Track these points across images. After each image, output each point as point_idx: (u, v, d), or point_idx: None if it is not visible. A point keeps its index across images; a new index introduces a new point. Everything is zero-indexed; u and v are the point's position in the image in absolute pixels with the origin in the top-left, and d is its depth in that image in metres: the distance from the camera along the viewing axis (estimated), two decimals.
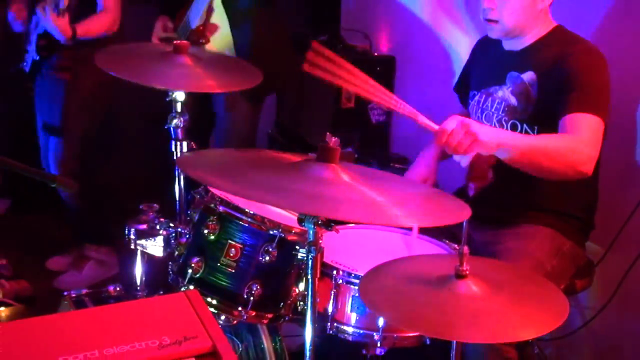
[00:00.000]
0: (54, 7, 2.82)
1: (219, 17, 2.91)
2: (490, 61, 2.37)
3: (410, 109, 1.91)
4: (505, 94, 2.26)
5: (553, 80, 2.14)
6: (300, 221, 1.64)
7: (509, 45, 2.29)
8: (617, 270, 2.44)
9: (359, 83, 1.85)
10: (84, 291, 2.23)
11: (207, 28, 2.90)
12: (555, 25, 2.24)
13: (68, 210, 3.42)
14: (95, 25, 3.03)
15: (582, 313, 2.57)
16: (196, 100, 2.88)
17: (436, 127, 1.89)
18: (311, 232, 1.63)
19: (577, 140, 2.01)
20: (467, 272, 1.54)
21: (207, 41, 2.91)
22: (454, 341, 1.63)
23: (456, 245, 2.07)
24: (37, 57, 3.10)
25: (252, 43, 2.96)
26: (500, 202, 2.23)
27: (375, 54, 3.73)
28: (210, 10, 2.86)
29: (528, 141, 2.02)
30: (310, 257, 1.64)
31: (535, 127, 2.18)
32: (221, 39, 2.94)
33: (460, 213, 1.57)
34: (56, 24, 2.85)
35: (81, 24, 2.96)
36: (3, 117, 4.06)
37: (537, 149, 1.97)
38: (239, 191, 1.54)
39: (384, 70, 3.66)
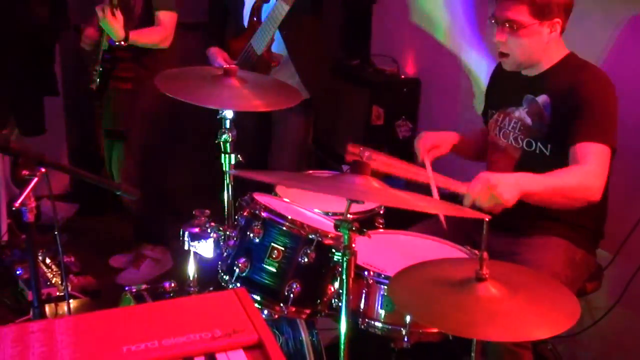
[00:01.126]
0: (112, 4, 2.83)
1: (277, 44, 2.93)
2: (507, 84, 2.33)
3: (442, 179, 2.00)
4: (521, 114, 2.22)
5: (566, 105, 2.09)
6: (337, 227, 1.64)
7: (525, 70, 2.24)
8: (624, 274, 2.40)
9: (391, 164, 2.04)
10: (144, 286, 2.25)
11: (271, 53, 2.91)
12: (567, 53, 2.18)
13: (129, 213, 3.46)
14: (148, 36, 3.03)
15: (591, 313, 2.52)
16: (256, 113, 2.91)
17: (463, 188, 1.93)
18: (346, 236, 1.63)
19: (587, 174, 1.99)
20: (487, 275, 1.52)
21: (277, 63, 2.92)
22: (474, 339, 1.60)
23: (477, 251, 2.04)
24: (101, 68, 3.11)
25: (310, 64, 2.98)
26: (517, 212, 2.19)
27: (402, 76, 3.71)
28: (272, 39, 2.88)
29: (544, 183, 1.98)
30: (344, 259, 1.63)
31: (549, 146, 2.14)
32: (285, 65, 2.96)
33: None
34: (111, 24, 2.85)
35: (135, 31, 2.97)
36: (75, 133, 4.13)
37: (552, 190, 1.97)
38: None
39: (410, 92, 3.64)
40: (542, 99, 2.17)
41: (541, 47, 2.13)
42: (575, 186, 1.97)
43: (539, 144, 2.17)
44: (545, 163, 2.12)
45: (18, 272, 2.96)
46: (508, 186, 1.89)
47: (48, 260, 3.04)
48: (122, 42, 2.93)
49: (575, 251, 2.17)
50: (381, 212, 2.26)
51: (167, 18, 3.05)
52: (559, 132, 2.11)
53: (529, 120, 2.19)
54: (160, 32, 3.05)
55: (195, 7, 3.23)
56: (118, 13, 2.87)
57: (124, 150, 3.22)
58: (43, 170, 1.41)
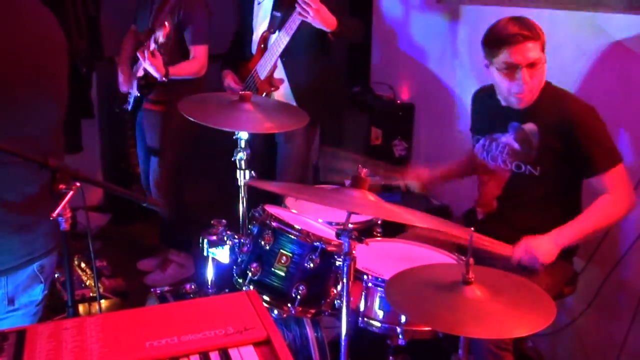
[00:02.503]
0: (154, 46, 2.87)
1: (280, 70, 2.94)
2: (489, 112, 2.26)
3: (485, 239, 2.00)
4: (508, 140, 2.17)
5: (555, 131, 2.06)
6: (338, 235, 1.64)
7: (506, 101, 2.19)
8: (596, 279, 2.38)
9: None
10: (167, 288, 2.25)
11: (273, 78, 2.92)
12: (545, 82, 2.13)
13: (160, 220, 3.46)
14: (185, 70, 3.05)
15: (568, 313, 2.50)
16: (262, 135, 2.92)
17: (509, 251, 1.99)
18: (346, 244, 1.62)
19: (616, 202, 2.02)
20: (473, 279, 1.51)
21: (277, 88, 2.93)
22: (462, 337, 1.59)
23: (464, 257, 2.02)
24: (139, 94, 3.14)
25: (306, 90, 2.98)
26: (502, 225, 2.17)
27: (398, 101, 3.71)
28: (275, 66, 2.89)
29: (580, 232, 2.02)
30: (345, 264, 1.62)
31: (538, 168, 2.11)
32: (285, 90, 2.97)
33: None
34: (153, 64, 2.89)
35: (173, 67, 3.00)
36: (108, 152, 4.15)
37: (589, 233, 2.03)
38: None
39: (405, 115, 3.64)
40: (529, 127, 2.11)
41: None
42: (611, 221, 2.03)
43: (528, 166, 2.13)
44: (534, 182, 2.11)
45: (57, 275, 2.95)
46: (546, 250, 1.95)
47: (83, 265, 3.05)
48: (164, 79, 2.96)
49: (555, 259, 2.14)
50: (379, 222, 2.25)
51: (200, 52, 3.07)
52: (547, 156, 2.08)
53: (517, 146, 2.15)
54: (195, 65, 3.08)
55: (217, 40, 3.25)
56: (157, 53, 2.91)
57: (159, 165, 3.23)
58: (78, 184, 1.41)
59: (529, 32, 1.99)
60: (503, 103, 2.19)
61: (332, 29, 2.72)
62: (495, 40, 2.04)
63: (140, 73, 3.08)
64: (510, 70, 2.03)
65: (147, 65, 2.93)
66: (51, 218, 1.37)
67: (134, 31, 3.29)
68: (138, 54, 2.94)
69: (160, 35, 2.85)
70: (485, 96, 2.29)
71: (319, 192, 1.92)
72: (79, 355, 1.08)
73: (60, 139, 1.64)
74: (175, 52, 3.06)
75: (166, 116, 3.14)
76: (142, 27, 3.19)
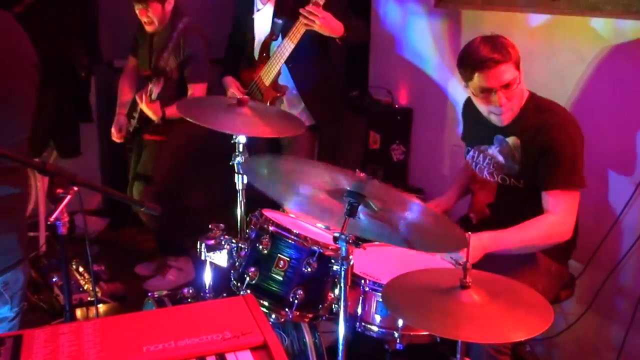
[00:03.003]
0: (149, 96, 2.93)
1: (284, 76, 2.94)
2: (477, 123, 2.25)
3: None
4: (494, 152, 2.17)
5: (534, 146, 2.05)
6: (335, 239, 1.64)
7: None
8: (594, 284, 2.38)
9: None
10: (164, 292, 2.24)
11: (277, 84, 2.93)
12: (529, 94, 2.11)
13: (148, 230, 3.46)
14: None
15: (565, 318, 2.50)
16: (267, 138, 2.89)
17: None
18: (343, 248, 1.62)
19: (553, 225, 2.01)
20: (470, 283, 1.51)
21: (283, 94, 2.94)
22: (459, 341, 1.59)
23: (461, 261, 2.02)
24: (138, 126, 3.20)
25: (314, 94, 3.00)
26: (497, 228, 2.17)
27: (396, 106, 3.72)
28: (279, 72, 2.90)
29: (510, 241, 2.01)
30: (342, 268, 1.62)
31: (522, 181, 2.11)
32: (290, 95, 2.98)
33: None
34: (150, 109, 2.96)
35: (169, 108, 3.01)
36: (107, 156, 4.15)
37: (519, 245, 2.01)
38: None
39: (403, 120, 3.65)
40: (512, 140, 2.11)
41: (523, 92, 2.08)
42: (543, 238, 2.01)
43: (512, 180, 2.13)
44: (520, 195, 2.11)
45: (54, 280, 2.96)
46: (474, 250, 1.83)
47: (81, 269, 3.04)
48: (160, 122, 3.02)
49: (550, 263, 2.15)
50: None
51: (198, 90, 3.10)
52: (529, 170, 2.08)
53: (501, 159, 2.15)
54: None
55: (216, 45, 3.26)
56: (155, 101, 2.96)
57: (145, 189, 3.22)
58: (76, 188, 1.41)
59: (500, 54, 1.96)
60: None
61: (339, 35, 2.73)
62: (467, 65, 2.03)
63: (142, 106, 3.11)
64: (486, 94, 2.02)
65: (145, 109, 2.99)
66: (48, 222, 1.37)
67: (134, 67, 3.31)
68: (137, 98, 3.00)
69: (154, 90, 2.89)
70: (474, 106, 2.26)
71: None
72: (75, 359, 1.08)
73: (28, 152, 1.62)
74: (174, 88, 3.08)
75: (165, 144, 3.18)
76: (143, 62, 3.22)
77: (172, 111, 3.01)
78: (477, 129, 2.26)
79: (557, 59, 2.56)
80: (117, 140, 3.30)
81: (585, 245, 2.34)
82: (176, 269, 3.40)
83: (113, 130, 3.28)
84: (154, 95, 2.92)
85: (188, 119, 2.18)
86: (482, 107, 2.09)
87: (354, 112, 3.77)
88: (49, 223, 1.40)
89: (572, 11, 2.49)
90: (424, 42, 3.52)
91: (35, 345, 1.12)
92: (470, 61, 2.02)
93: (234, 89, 3.04)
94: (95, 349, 1.11)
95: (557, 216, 2.00)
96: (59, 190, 1.40)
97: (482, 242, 1.95)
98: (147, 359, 1.10)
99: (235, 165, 2.23)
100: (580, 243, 2.29)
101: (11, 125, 1.51)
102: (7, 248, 1.55)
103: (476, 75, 2.00)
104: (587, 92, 2.49)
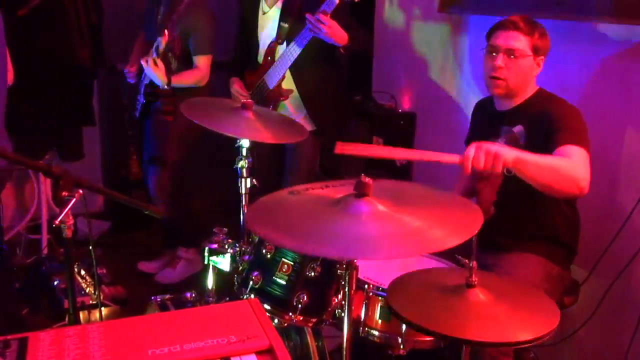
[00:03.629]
0: (155, 55, 2.92)
1: (288, 80, 2.95)
2: (486, 119, 2.33)
3: (431, 153, 1.86)
4: (500, 143, 2.21)
5: (539, 129, 2.09)
6: None
7: (500, 105, 2.25)
8: (598, 290, 2.37)
9: (382, 151, 1.89)
10: (167, 296, 2.24)
11: (281, 88, 2.94)
12: (538, 88, 2.20)
13: (162, 226, 3.48)
14: (186, 78, 3.13)
15: (571, 324, 2.49)
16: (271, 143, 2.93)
17: (457, 158, 1.83)
18: None
19: (575, 165, 1.94)
20: (476, 282, 1.51)
21: (286, 98, 2.95)
22: (464, 347, 1.59)
23: (466, 261, 2.02)
24: (144, 101, 3.20)
25: (316, 99, 3.01)
26: (500, 231, 2.18)
27: (400, 110, 3.72)
28: (283, 77, 2.91)
29: (539, 158, 1.91)
30: (347, 273, 1.62)
31: None
32: (294, 99, 2.98)
33: (475, 222, 1.44)
34: (155, 72, 2.97)
35: (175, 76, 3.07)
36: (109, 159, 4.16)
37: (547, 164, 1.90)
38: (296, 247, 1.52)
39: (406, 124, 3.65)
40: (517, 129, 2.17)
41: (528, 77, 2.15)
42: (564, 166, 1.91)
43: None
44: (524, 187, 2.11)
45: (56, 283, 2.96)
46: (506, 149, 1.84)
47: (83, 272, 3.04)
48: (166, 87, 3.02)
49: (551, 267, 2.16)
50: None
51: (203, 62, 3.14)
52: None
53: None
54: (197, 75, 3.14)
55: (224, 48, 3.29)
56: (159, 62, 2.97)
57: (159, 172, 3.27)
58: (80, 191, 1.42)
59: (523, 25, 2.09)
60: (497, 108, 2.24)
61: (343, 43, 2.75)
62: (495, 24, 2.16)
63: (147, 81, 3.13)
64: (491, 53, 2.13)
65: (150, 73, 3.00)
66: (54, 225, 1.37)
67: (142, 39, 3.34)
68: (142, 62, 3.00)
69: (160, 43, 2.90)
70: (485, 105, 2.36)
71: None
72: None
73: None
74: (178, 62, 3.10)
75: (172, 125, 3.18)
76: (150, 35, 3.23)
77: (177, 78, 3.06)
78: (486, 125, 2.30)
79: (561, 64, 2.56)
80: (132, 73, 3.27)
81: (590, 252, 2.34)
82: (185, 260, 3.44)
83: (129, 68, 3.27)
84: (161, 47, 2.93)
85: (192, 120, 2.19)
86: (486, 69, 2.17)
87: (357, 116, 3.78)
88: (53, 226, 1.40)
89: (577, 16, 2.50)
90: (428, 46, 3.52)
91: (41, 347, 1.12)
92: (499, 21, 2.14)
93: (236, 87, 3.07)
94: (100, 352, 1.11)
95: (576, 160, 1.94)
96: (64, 193, 1.41)
97: (498, 149, 1.84)
98: None
99: (238, 169, 2.24)
100: (585, 249, 2.30)
101: None
102: None
103: (493, 34, 2.14)
104: (591, 97, 2.50)
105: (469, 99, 3.18)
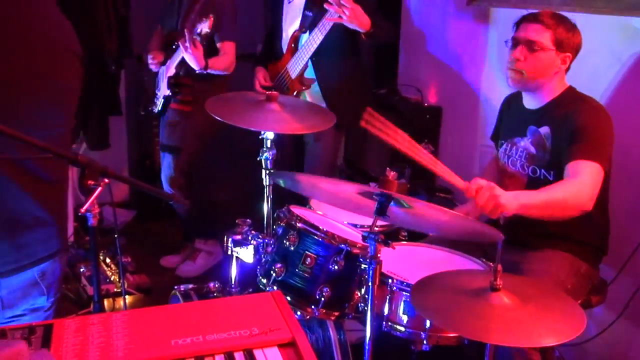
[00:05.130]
0: (197, 35, 2.83)
1: (310, 69, 2.94)
2: (513, 116, 2.29)
3: (443, 168, 1.91)
4: (526, 144, 2.18)
5: (563, 132, 2.05)
6: (364, 238, 1.63)
7: (528, 103, 2.20)
8: (627, 290, 2.32)
9: (402, 141, 1.93)
10: (191, 286, 2.25)
11: (303, 77, 2.92)
12: (567, 87, 2.14)
13: (181, 216, 3.49)
14: (219, 64, 3.03)
15: (597, 324, 2.45)
16: (292, 135, 2.92)
17: (462, 184, 1.88)
18: (372, 247, 1.61)
19: (578, 185, 1.93)
20: (500, 286, 1.48)
21: (308, 87, 2.93)
22: (488, 344, 1.56)
23: (491, 263, 1.99)
24: (169, 93, 3.16)
25: (336, 91, 2.97)
26: (526, 229, 2.14)
27: (426, 104, 3.68)
28: (306, 65, 2.89)
29: (541, 198, 1.92)
30: (371, 267, 1.61)
31: (552, 172, 2.10)
32: (314, 92, 2.97)
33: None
34: (194, 54, 2.85)
35: (212, 59, 2.98)
36: (135, 148, 4.20)
37: (546, 202, 1.91)
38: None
39: (432, 118, 3.61)
40: (544, 130, 2.12)
41: (550, 73, 2.09)
42: (566, 197, 1.92)
43: (542, 171, 2.13)
44: None
45: (81, 270, 3.00)
46: (509, 198, 1.85)
47: (108, 260, 3.08)
48: (204, 70, 2.94)
49: (580, 264, 2.12)
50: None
51: (229, 48, 3.08)
52: (559, 159, 2.06)
53: (533, 150, 2.15)
54: (226, 61, 3.08)
55: (246, 40, 3.28)
56: (198, 44, 2.87)
57: (173, 162, 3.25)
58: (106, 180, 1.42)
59: (548, 18, 2.06)
60: (525, 105, 2.20)
61: (366, 29, 2.70)
62: (519, 18, 2.14)
63: (171, 72, 3.10)
64: (512, 44, 2.11)
65: (188, 56, 2.87)
66: (80, 214, 1.38)
67: (160, 32, 3.33)
68: (180, 43, 2.89)
69: (205, 26, 2.80)
70: (514, 100, 2.31)
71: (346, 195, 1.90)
72: (104, 350, 1.09)
73: (68, 144, 1.63)
74: (206, 50, 3.09)
75: (190, 116, 3.16)
76: (168, 26, 3.22)
77: (213, 62, 2.97)
78: (513, 122, 2.27)
79: (592, 59, 2.50)
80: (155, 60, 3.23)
81: (619, 251, 2.29)
82: (206, 252, 3.44)
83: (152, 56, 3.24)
84: (204, 31, 2.81)
85: (216, 117, 2.18)
86: (507, 61, 2.15)
87: (382, 110, 3.74)
88: (79, 214, 1.41)
89: (609, 10, 2.44)
90: (455, 40, 3.47)
91: (66, 334, 1.13)
92: (525, 14, 2.12)
93: (259, 77, 3.06)
94: (124, 340, 1.12)
95: (578, 179, 1.94)
96: (90, 182, 1.41)
97: (514, 193, 1.91)
98: (175, 352, 1.10)
99: (262, 161, 2.23)
100: (614, 249, 2.25)
101: (52, 116, 1.51)
102: (49, 236, 1.55)
103: (518, 25, 2.12)
104: (622, 93, 2.44)
105: (496, 93, 3.12)
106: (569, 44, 2.06)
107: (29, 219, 1.49)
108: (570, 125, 2.03)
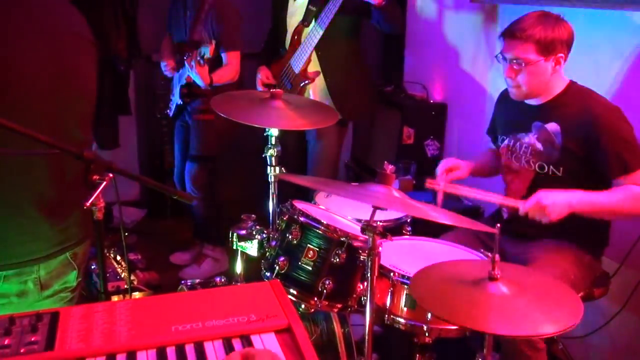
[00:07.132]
0: (200, 58, 2.94)
1: (314, 64, 2.96)
2: (513, 111, 2.27)
3: (501, 197, 2.13)
4: (531, 140, 2.17)
5: (577, 130, 2.05)
6: (363, 230, 1.65)
7: (529, 100, 2.19)
8: (629, 282, 2.33)
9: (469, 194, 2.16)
10: (197, 281, 2.30)
11: (307, 72, 2.96)
12: (568, 82, 2.13)
13: (193, 216, 3.53)
14: (224, 75, 3.13)
15: (600, 316, 2.46)
16: (293, 132, 2.94)
17: (520, 205, 2.01)
18: (371, 239, 1.63)
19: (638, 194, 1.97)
20: (498, 275, 1.51)
21: (312, 80, 2.96)
22: (487, 334, 1.59)
23: (489, 254, 2.01)
24: (181, 102, 3.25)
25: (341, 85, 3.00)
26: (527, 224, 2.16)
27: (431, 101, 3.71)
28: (309, 59, 2.93)
29: (596, 205, 1.97)
30: (369, 259, 1.64)
31: (561, 168, 2.10)
32: (319, 88, 3.00)
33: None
34: (199, 73, 2.97)
35: (215, 74, 3.08)
36: (144, 147, 4.25)
37: (603, 210, 1.99)
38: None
39: (437, 115, 3.63)
40: (551, 126, 2.11)
41: (546, 80, 2.09)
42: (628, 205, 1.97)
43: (551, 167, 2.13)
44: (557, 183, 2.08)
45: (92, 267, 3.05)
46: (559, 207, 1.92)
47: (118, 258, 3.13)
48: (208, 87, 3.05)
49: (583, 254, 2.14)
50: (408, 220, 2.26)
51: (234, 58, 3.16)
52: (571, 156, 2.07)
53: (539, 146, 2.15)
54: (231, 71, 3.16)
55: (251, 40, 3.32)
56: (205, 65, 2.98)
57: (199, 169, 3.31)
58: (111, 175, 1.46)
59: (524, 31, 2.01)
60: (526, 101, 2.19)
61: (378, 2, 2.71)
62: (503, 30, 2.12)
63: (184, 81, 3.17)
64: (503, 61, 2.12)
65: (194, 74, 3.01)
66: (85, 207, 1.42)
67: (169, 39, 3.39)
68: (186, 62, 3.02)
69: (207, 52, 2.93)
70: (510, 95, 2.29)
71: (344, 186, 1.95)
72: (108, 336, 1.13)
73: (89, 131, 1.70)
74: (213, 60, 3.14)
75: (213, 123, 3.23)
76: (177, 36, 3.28)
77: (217, 77, 3.08)
78: (515, 117, 2.26)
79: (596, 54, 2.51)
80: (169, 66, 3.33)
81: (621, 243, 2.30)
82: (212, 259, 3.47)
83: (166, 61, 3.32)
84: (207, 55, 2.93)
85: (222, 115, 2.22)
86: (504, 75, 2.15)
87: (388, 106, 3.78)
88: (84, 208, 1.45)
89: (610, 5, 2.44)
90: (460, 37, 3.49)
91: (71, 321, 1.17)
92: (507, 27, 2.10)
93: (262, 75, 3.10)
94: (127, 327, 1.15)
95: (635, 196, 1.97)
96: (95, 177, 1.45)
97: (568, 198, 1.96)
98: (175, 337, 1.14)
99: (267, 157, 2.27)
100: (616, 241, 2.26)
101: (82, 102, 1.58)
102: (80, 222, 1.64)
103: (502, 39, 2.11)
104: (625, 88, 2.44)
105: (499, 90, 3.14)
106: (555, 44, 2.02)
107: (69, 203, 1.58)
108: (589, 126, 2.01)
